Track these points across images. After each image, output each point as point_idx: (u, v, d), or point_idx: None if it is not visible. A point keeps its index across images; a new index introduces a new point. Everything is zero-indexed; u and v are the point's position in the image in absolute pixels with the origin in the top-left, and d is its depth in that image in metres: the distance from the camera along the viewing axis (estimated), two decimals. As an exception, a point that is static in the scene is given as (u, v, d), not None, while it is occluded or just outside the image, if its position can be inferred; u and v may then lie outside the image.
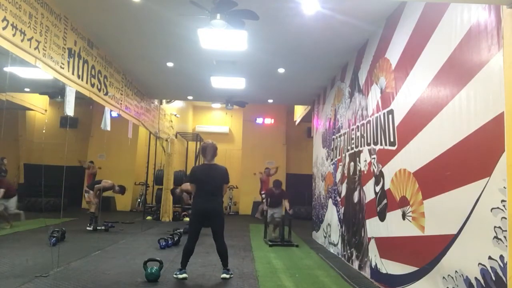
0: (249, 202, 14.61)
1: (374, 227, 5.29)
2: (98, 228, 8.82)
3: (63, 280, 4.61)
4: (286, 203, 8.61)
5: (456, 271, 3.28)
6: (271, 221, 8.61)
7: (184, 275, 4.89)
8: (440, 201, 3.59)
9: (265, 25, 5.55)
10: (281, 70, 7.89)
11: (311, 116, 10.66)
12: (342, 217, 6.93)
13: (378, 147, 5.25)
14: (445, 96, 3.55)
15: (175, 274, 4.92)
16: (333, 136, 7.83)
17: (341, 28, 5.56)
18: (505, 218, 2.70)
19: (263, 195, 13.74)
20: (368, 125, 5.64)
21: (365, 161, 5.73)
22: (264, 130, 15.76)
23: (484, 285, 2.93)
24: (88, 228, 8.81)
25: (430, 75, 3.83)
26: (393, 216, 4.64)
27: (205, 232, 5.33)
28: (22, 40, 4.28)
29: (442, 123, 3.61)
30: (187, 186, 9.24)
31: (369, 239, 5.41)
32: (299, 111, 13.35)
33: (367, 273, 5.41)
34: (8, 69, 6.73)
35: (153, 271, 4.73)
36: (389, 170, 4.80)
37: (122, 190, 9.55)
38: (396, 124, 4.67)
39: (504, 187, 2.71)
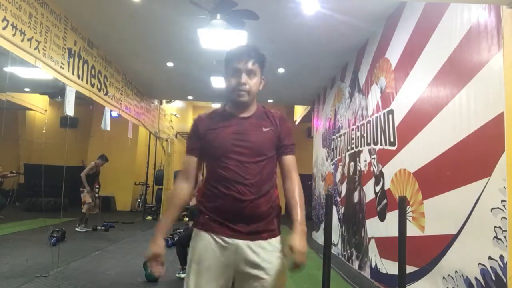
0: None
1: (374, 227, 5.29)
2: (98, 228, 8.81)
3: (63, 280, 4.61)
4: None
5: (456, 271, 3.28)
6: None
7: None
8: (440, 201, 3.59)
9: (265, 25, 5.55)
10: (281, 70, 7.88)
11: (311, 116, 10.65)
12: (342, 217, 6.93)
13: (378, 147, 5.25)
14: (445, 96, 3.55)
15: (178, 274, 4.94)
16: (333, 136, 7.82)
17: (341, 28, 5.55)
18: (505, 218, 2.70)
19: None
20: (368, 125, 5.64)
21: (365, 161, 5.73)
22: (264, 130, 15.70)
23: (484, 285, 2.93)
24: (77, 229, 8.52)
25: (430, 75, 3.83)
26: (393, 216, 4.63)
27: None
28: (22, 40, 4.28)
29: (442, 123, 3.61)
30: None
31: (369, 239, 5.40)
32: (299, 111, 13.34)
33: (367, 273, 5.41)
34: (8, 69, 6.72)
35: (153, 271, 4.73)
36: (389, 170, 4.80)
37: (103, 158, 9.30)
38: (396, 124, 4.66)
39: (504, 187, 2.71)
